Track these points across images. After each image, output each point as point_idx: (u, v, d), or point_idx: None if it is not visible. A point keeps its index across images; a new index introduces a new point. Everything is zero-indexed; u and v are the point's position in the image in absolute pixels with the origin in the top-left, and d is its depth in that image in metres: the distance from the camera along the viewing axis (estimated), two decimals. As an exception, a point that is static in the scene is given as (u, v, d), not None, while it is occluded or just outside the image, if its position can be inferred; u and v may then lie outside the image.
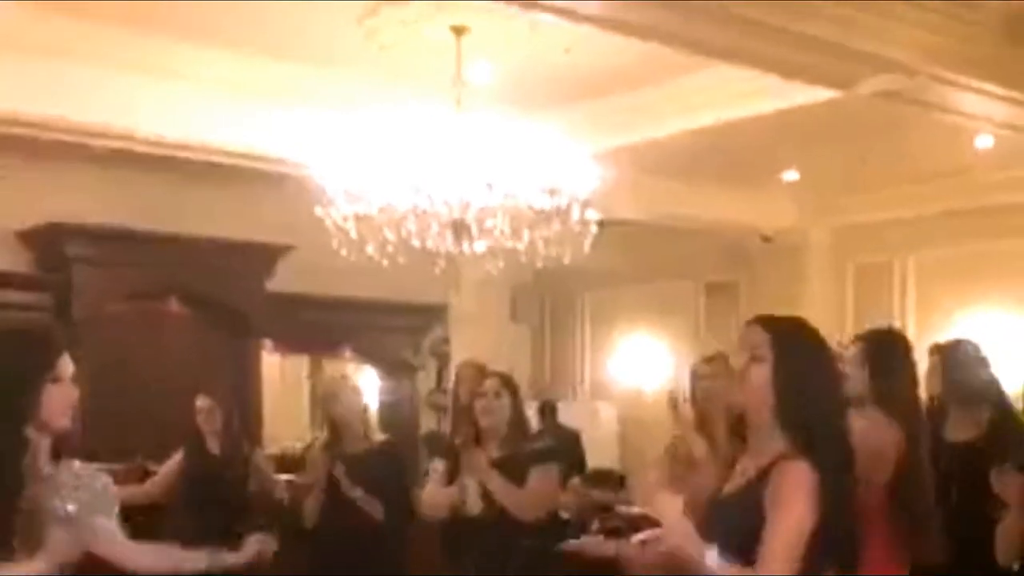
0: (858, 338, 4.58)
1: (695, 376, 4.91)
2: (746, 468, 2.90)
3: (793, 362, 2.88)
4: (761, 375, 2.89)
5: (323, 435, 5.78)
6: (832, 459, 2.78)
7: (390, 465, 5.60)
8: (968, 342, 5.25)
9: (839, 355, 4.37)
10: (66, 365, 3.11)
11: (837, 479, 2.77)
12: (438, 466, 5.15)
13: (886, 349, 4.45)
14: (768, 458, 2.81)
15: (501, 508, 4.85)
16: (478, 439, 4.98)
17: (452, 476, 5.03)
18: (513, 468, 4.91)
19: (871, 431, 4.11)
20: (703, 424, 4.67)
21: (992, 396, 5.04)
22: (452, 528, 5.02)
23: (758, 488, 2.77)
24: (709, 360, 4.88)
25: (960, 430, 4.97)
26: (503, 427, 4.97)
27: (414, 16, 6.20)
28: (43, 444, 3.06)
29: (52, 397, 3.05)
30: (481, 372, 5.75)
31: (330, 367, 9.77)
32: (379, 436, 5.84)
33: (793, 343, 2.94)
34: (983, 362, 5.13)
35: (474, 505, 4.89)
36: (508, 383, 5.10)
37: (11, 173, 7.69)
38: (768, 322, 3.00)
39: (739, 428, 2.99)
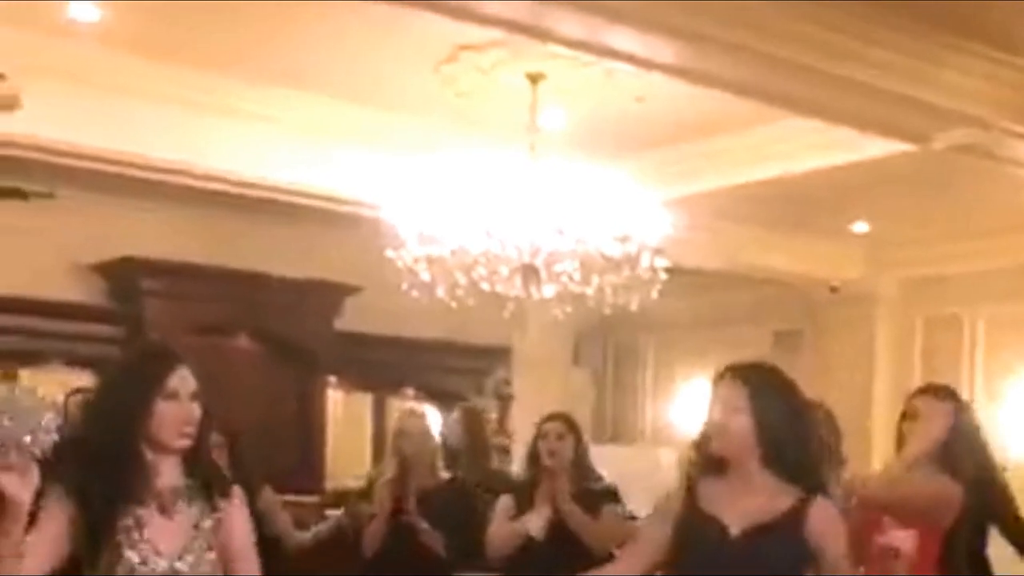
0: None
1: None
2: (747, 508, 3.09)
3: (772, 411, 3.10)
4: (743, 425, 3.08)
5: (391, 469, 5.82)
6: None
7: (460, 502, 5.65)
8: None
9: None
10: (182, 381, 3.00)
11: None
12: (507, 502, 5.20)
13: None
14: (787, 499, 3.09)
15: (569, 539, 4.91)
16: (543, 479, 5.07)
17: (520, 513, 5.10)
18: (585, 505, 5.01)
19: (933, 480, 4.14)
20: None
21: None
22: (519, 561, 5.07)
23: (794, 526, 3.07)
24: None
25: None
26: (567, 468, 5.06)
27: (491, 63, 6.28)
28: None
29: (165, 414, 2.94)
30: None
31: (394, 405, 9.81)
32: (445, 474, 5.88)
33: (769, 392, 3.15)
34: None
35: (539, 533, 4.97)
36: (570, 424, 5.19)
37: (88, 207, 7.85)
38: (742, 372, 3.18)
39: None
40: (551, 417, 5.28)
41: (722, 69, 5.56)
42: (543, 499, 5.04)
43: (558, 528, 4.99)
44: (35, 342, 7.74)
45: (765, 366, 3.31)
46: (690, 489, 3.21)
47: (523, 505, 5.11)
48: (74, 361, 7.88)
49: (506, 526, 5.13)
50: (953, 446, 4.21)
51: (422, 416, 6.49)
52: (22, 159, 6.65)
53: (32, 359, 7.87)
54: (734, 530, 3.09)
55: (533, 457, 5.16)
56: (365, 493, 5.91)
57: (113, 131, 6.46)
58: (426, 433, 5.84)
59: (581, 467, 5.18)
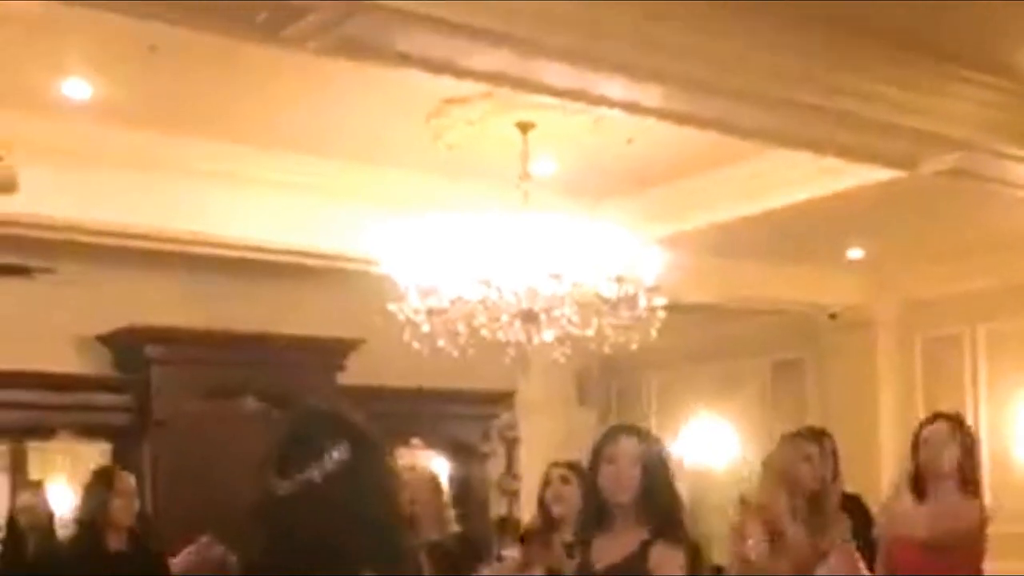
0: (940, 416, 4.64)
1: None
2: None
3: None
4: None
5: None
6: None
7: (468, 553, 5.65)
8: None
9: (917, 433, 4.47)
10: None
11: None
12: (513, 554, 5.20)
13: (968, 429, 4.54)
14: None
15: None
16: (551, 527, 5.05)
17: (528, 565, 5.10)
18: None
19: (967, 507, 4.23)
20: None
21: None
22: None
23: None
24: None
25: None
26: (574, 513, 5.05)
27: (480, 114, 6.36)
28: None
29: None
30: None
31: (401, 457, 9.83)
32: (455, 526, 5.89)
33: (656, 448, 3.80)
34: None
35: None
36: (576, 469, 5.19)
37: (90, 279, 7.90)
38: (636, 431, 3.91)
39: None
40: (556, 464, 5.27)
41: (710, 110, 5.63)
42: (542, 556, 4.96)
43: None
44: (43, 415, 7.77)
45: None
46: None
47: (536, 555, 5.03)
48: (83, 432, 7.93)
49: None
50: None
51: (422, 467, 6.52)
52: (23, 237, 6.72)
53: (40, 433, 7.92)
54: (599, 567, 3.67)
55: (540, 505, 5.12)
56: None
57: (110, 204, 6.54)
58: (430, 485, 5.85)
59: None
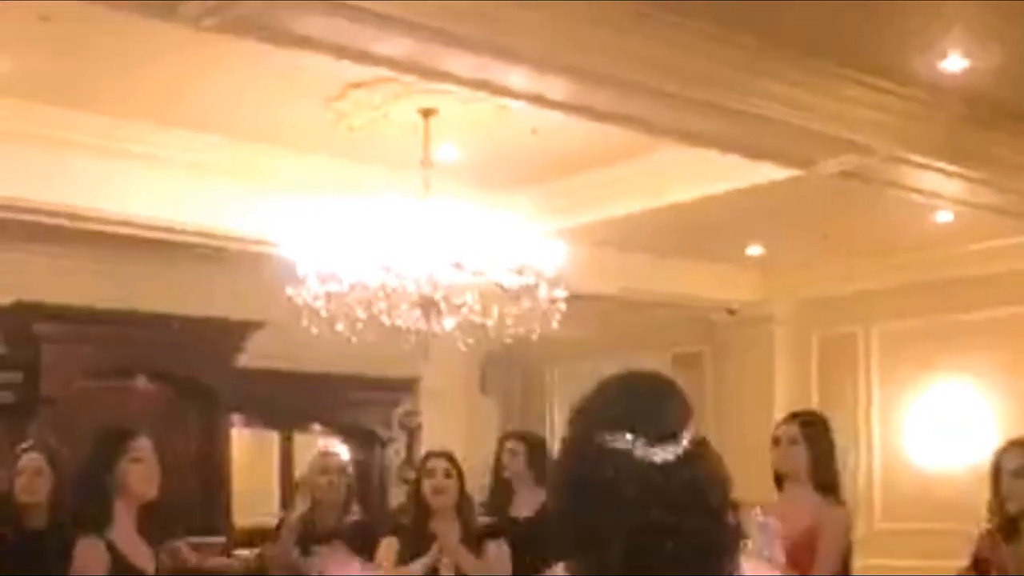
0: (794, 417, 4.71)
1: None
2: None
3: None
4: None
5: (301, 508, 5.79)
6: None
7: (365, 543, 5.63)
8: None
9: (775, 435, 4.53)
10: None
11: None
12: (391, 544, 5.15)
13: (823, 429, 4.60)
14: None
15: None
16: (428, 518, 5.05)
17: (405, 556, 5.08)
18: (469, 543, 5.03)
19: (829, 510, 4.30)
20: None
21: None
22: None
23: None
24: None
25: None
26: (451, 507, 5.06)
27: (382, 99, 6.31)
28: None
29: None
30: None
31: (302, 442, 9.75)
32: (355, 515, 5.86)
33: None
34: None
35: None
36: (454, 463, 5.19)
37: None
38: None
39: None
40: (435, 454, 5.28)
41: (613, 104, 5.66)
42: (430, 542, 5.00)
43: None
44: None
45: None
46: None
47: (410, 546, 5.06)
48: (-32, 408, 7.75)
49: (391, 571, 5.10)
50: None
51: (337, 454, 6.48)
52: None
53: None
54: None
55: (417, 496, 5.11)
56: (274, 534, 5.88)
57: (3, 178, 6.38)
58: (342, 471, 5.82)
59: (467, 503, 5.19)
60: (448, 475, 5.08)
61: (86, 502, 3.95)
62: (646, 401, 1.95)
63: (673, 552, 1.82)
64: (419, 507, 5.09)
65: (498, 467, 5.98)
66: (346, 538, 5.56)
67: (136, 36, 5.45)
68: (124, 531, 3.92)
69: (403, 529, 5.22)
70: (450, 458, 5.19)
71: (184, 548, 5.74)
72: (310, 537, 5.50)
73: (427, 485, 5.06)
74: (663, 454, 1.87)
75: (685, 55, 5.34)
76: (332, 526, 5.59)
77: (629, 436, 1.88)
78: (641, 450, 1.88)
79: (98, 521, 3.87)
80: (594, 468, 1.87)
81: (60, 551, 3.90)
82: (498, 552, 5.11)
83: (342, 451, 9.82)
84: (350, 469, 6.00)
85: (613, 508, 1.84)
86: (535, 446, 5.95)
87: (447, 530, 5.01)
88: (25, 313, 7.88)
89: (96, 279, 8.14)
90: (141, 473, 3.98)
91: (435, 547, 5.01)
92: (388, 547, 5.13)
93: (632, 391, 1.98)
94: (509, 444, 6.01)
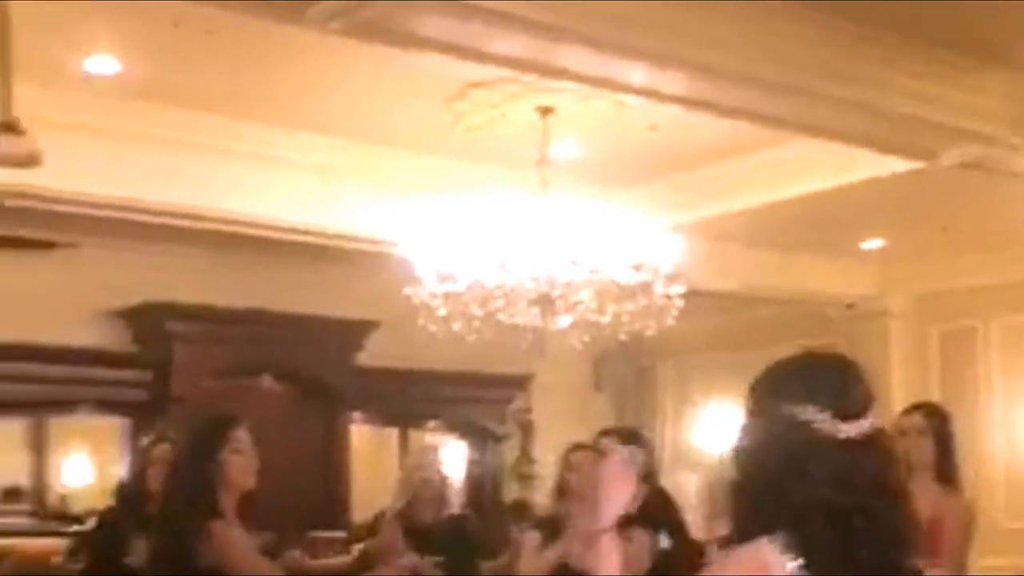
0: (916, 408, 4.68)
1: None
2: None
3: None
4: None
5: (400, 502, 5.89)
6: None
7: (460, 539, 5.71)
8: None
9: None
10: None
11: None
12: (535, 537, 5.20)
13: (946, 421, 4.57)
14: None
15: None
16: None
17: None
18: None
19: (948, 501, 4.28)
20: None
21: None
22: None
23: None
24: None
25: None
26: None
27: (500, 98, 6.37)
28: None
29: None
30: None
31: (417, 438, 9.88)
32: (452, 510, 5.94)
33: None
34: None
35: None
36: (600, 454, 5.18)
37: (112, 254, 7.96)
38: None
39: None
40: (579, 447, 5.23)
41: (734, 98, 5.63)
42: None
43: None
44: (63, 389, 7.83)
45: None
46: None
47: (552, 538, 4.99)
48: (103, 407, 7.99)
49: (537, 559, 5.12)
50: None
51: (435, 448, 6.56)
52: (47, 211, 6.78)
53: (60, 407, 7.99)
54: None
55: (561, 489, 5.07)
56: (372, 528, 5.99)
57: (133, 180, 6.58)
58: (437, 468, 5.90)
59: None
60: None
61: (191, 491, 3.98)
62: (832, 378, 1.96)
63: (863, 531, 1.84)
64: (563, 499, 5.00)
65: None
66: (445, 532, 5.67)
67: (263, 41, 5.60)
68: (228, 520, 3.99)
69: (545, 523, 5.18)
70: (595, 450, 5.13)
71: (301, 556, 5.89)
72: (408, 531, 5.61)
73: (571, 478, 4.93)
74: (848, 430, 1.88)
75: (807, 49, 5.32)
76: (429, 520, 5.69)
77: (813, 408, 1.90)
78: (828, 424, 1.90)
79: (206, 510, 3.92)
80: (782, 440, 1.90)
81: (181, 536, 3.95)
82: (643, 541, 5.08)
83: (457, 448, 10.00)
84: (442, 464, 6.08)
85: (805, 483, 1.86)
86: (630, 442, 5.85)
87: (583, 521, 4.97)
88: (156, 313, 8.09)
89: (222, 279, 8.33)
90: (241, 464, 4.01)
91: (567, 534, 5.00)
92: (532, 539, 5.11)
93: (818, 368, 2.00)
94: (603, 441, 5.93)
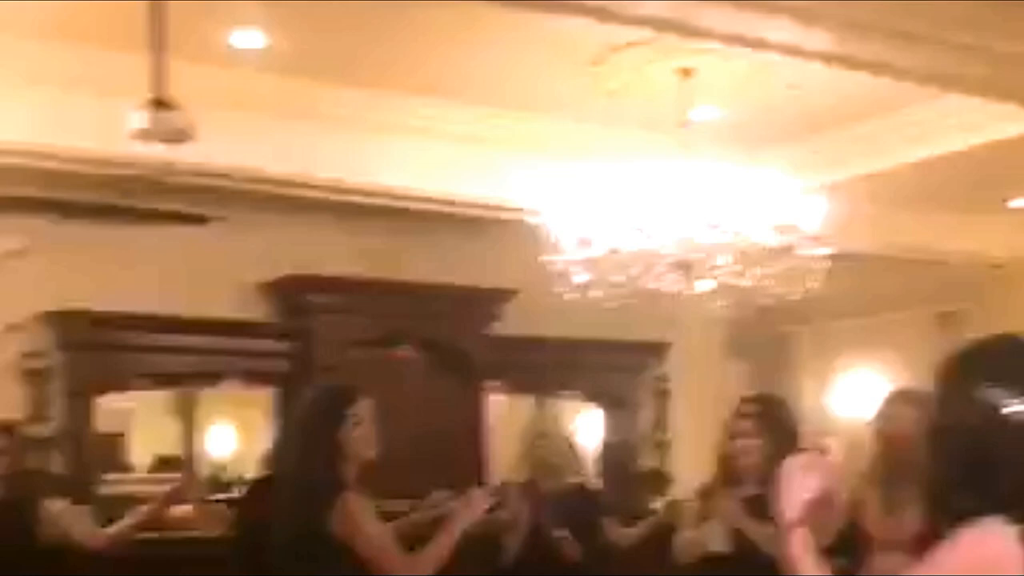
0: None
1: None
2: None
3: None
4: None
5: (524, 472, 5.91)
6: None
7: (585, 506, 5.71)
8: None
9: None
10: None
11: None
12: (692, 507, 5.14)
13: None
14: None
15: (753, 546, 4.79)
16: (732, 479, 4.85)
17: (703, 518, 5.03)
18: (765, 505, 4.85)
19: None
20: None
21: None
22: (702, 569, 5.03)
23: None
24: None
25: None
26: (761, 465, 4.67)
27: (640, 61, 6.33)
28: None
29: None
30: None
31: (553, 407, 9.90)
32: (576, 477, 5.94)
33: None
34: None
35: (722, 545, 4.86)
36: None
37: (257, 227, 8.10)
38: None
39: None
40: (744, 415, 4.85)
41: (882, 54, 5.50)
42: (717, 513, 4.75)
43: (738, 536, 4.67)
44: (210, 360, 8.00)
45: None
46: None
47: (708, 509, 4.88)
48: (248, 377, 8.15)
49: (689, 536, 4.98)
50: None
51: (558, 419, 6.54)
52: (199, 185, 6.94)
53: (207, 378, 8.18)
54: None
55: (724, 459, 4.82)
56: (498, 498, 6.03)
57: (281, 153, 6.70)
58: (561, 436, 5.91)
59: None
60: (758, 435, 4.70)
61: (315, 463, 3.91)
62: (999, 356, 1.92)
63: None
64: (721, 469, 4.84)
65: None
66: (571, 500, 5.68)
67: (407, 11, 5.65)
68: (352, 492, 3.92)
69: (708, 491, 4.99)
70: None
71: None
72: (532, 500, 5.64)
73: (737, 445, 4.74)
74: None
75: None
76: (553, 489, 5.70)
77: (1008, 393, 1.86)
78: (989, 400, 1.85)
79: (331, 483, 3.87)
80: (979, 425, 1.86)
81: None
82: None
83: (593, 416, 9.98)
84: (568, 432, 6.09)
85: (1011, 469, 1.83)
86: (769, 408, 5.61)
87: (726, 498, 4.71)
88: (298, 285, 8.21)
89: (363, 250, 8.39)
90: (362, 435, 3.96)
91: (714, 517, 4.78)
92: (689, 509, 5.11)
93: (1015, 351, 1.95)
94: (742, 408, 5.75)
